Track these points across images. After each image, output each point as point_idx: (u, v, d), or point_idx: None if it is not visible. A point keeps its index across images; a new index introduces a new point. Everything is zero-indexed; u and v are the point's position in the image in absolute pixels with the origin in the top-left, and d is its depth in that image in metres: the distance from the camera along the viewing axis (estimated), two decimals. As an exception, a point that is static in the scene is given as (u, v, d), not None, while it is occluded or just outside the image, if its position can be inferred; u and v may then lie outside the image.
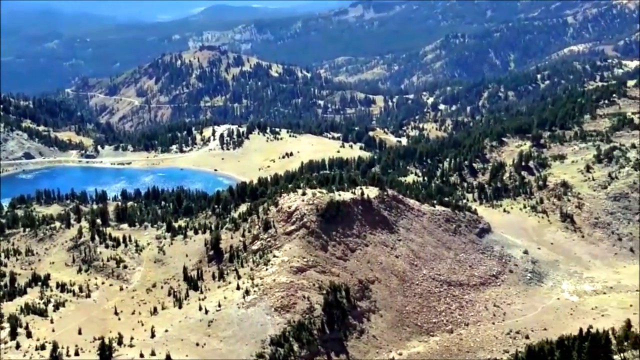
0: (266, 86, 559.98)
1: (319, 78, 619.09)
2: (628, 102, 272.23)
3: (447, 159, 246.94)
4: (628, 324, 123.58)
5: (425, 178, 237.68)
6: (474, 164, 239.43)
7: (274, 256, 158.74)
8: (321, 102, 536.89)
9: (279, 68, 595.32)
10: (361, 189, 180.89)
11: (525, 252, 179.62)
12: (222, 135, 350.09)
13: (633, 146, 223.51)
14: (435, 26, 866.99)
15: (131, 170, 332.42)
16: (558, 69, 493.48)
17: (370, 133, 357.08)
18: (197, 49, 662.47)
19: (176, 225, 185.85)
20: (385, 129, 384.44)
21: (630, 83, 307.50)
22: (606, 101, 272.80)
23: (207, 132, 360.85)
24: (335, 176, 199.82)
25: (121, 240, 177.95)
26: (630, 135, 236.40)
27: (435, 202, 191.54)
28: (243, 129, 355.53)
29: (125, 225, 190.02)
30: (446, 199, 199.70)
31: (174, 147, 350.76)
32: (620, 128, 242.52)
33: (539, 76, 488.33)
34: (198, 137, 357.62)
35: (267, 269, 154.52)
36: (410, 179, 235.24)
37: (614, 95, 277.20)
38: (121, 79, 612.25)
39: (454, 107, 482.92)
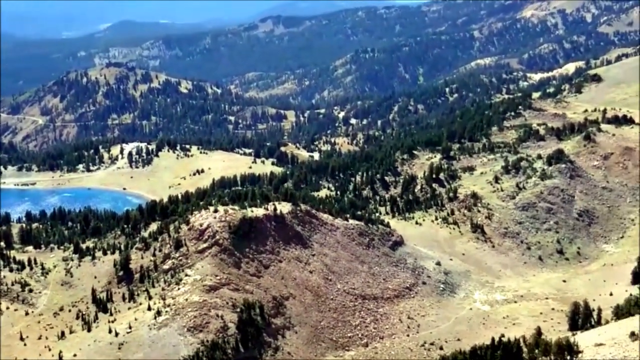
0: (175, 103, 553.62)
1: (229, 94, 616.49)
2: (533, 113, 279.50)
3: (360, 173, 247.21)
4: (538, 331, 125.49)
5: (338, 192, 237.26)
6: (385, 177, 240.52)
7: (186, 275, 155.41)
8: (232, 118, 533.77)
9: (188, 84, 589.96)
10: (274, 204, 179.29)
11: (438, 263, 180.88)
12: (130, 153, 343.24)
13: (539, 157, 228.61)
14: (345, 41, 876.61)
15: (36, 190, 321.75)
16: (466, 82, 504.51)
17: (282, 148, 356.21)
18: (103, 65, 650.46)
19: (84, 246, 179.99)
20: (297, 144, 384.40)
21: (535, 95, 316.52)
22: (512, 113, 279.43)
23: (115, 150, 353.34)
24: (247, 192, 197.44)
25: (26, 263, 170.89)
26: (536, 146, 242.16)
27: (348, 216, 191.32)
28: (152, 147, 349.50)
29: (30, 248, 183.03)
30: (359, 212, 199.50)
31: (80, 166, 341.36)
32: (527, 139, 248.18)
33: (447, 89, 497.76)
34: (106, 155, 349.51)
35: (179, 289, 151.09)
36: (323, 193, 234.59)
37: (520, 107, 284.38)
38: (24, 98, 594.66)
39: (365, 121, 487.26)
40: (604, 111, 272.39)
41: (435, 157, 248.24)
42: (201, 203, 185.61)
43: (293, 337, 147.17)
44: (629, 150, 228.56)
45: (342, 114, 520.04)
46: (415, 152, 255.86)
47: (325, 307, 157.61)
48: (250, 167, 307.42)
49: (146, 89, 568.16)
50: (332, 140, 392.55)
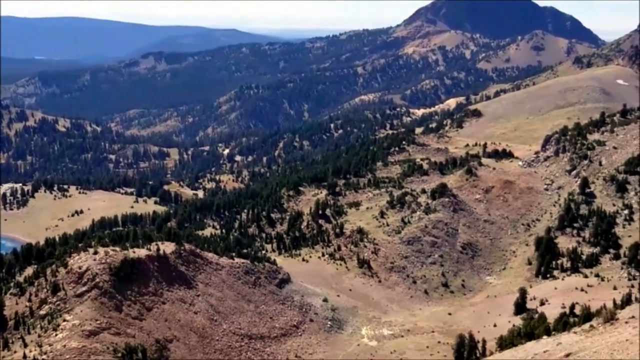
0: (53, 141, 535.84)
1: (109, 132, 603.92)
2: (417, 148, 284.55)
3: (245, 211, 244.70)
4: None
5: (223, 230, 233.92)
6: (272, 214, 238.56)
7: (64, 320, 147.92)
8: (112, 157, 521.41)
9: (66, 122, 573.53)
10: (157, 244, 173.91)
11: (325, 300, 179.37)
12: (4, 195, 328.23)
13: (423, 191, 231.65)
14: (229, 77, 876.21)
15: None
16: (350, 118, 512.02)
17: (166, 187, 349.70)
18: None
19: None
20: (181, 182, 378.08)
21: (418, 130, 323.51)
22: (397, 148, 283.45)
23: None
24: (129, 233, 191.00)
25: None
26: (420, 181, 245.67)
27: (234, 254, 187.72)
28: (28, 188, 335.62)
29: None
30: (245, 250, 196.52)
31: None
32: (411, 174, 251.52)
33: (332, 125, 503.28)
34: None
35: (56, 335, 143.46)
36: (207, 232, 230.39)
37: (404, 142, 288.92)
38: None
39: (250, 158, 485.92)
40: (485, 145, 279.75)
41: (321, 193, 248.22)
42: (80, 245, 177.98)
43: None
44: (509, 183, 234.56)
45: (226, 151, 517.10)
46: (301, 188, 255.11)
47: (210, 348, 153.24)
48: (132, 207, 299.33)
49: (21, 127, 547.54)
50: (217, 177, 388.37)
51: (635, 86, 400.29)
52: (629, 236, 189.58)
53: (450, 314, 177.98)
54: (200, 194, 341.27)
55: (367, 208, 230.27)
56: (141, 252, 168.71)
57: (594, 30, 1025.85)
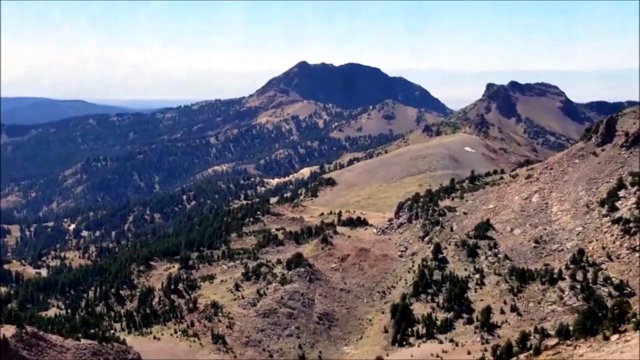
0: None
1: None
2: (272, 218, 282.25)
3: (92, 288, 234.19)
4: None
5: (69, 310, 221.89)
6: (121, 291, 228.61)
7: None
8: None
9: None
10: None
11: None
12: None
13: (279, 261, 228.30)
14: (75, 149, 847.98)
15: None
16: (203, 189, 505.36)
17: (6, 266, 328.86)
18: None
19: None
20: (23, 261, 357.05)
21: (273, 200, 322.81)
22: (251, 219, 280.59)
23: None
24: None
25: None
26: (276, 251, 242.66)
27: (80, 335, 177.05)
28: None
29: None
30: (92, 331, 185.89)
31: None
32: (266, 244, 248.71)
33: (184, 197, 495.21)
34: None
35: None
36: (52, 312, 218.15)
37: (259, 212, 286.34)
38: None
39: (98, 233, 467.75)
40: (339, 214, 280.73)
41: (173, 267, 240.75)
42: None
43: None
44: (364, 251, 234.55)
45: (72, 226, 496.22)
46: (152, 262, 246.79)
47: None
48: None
49: None
50: (62, 254, 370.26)
51: (482, 153, 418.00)
52: (481, 300, 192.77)
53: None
54: (44, 272, 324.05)
55: (222, 281, 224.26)
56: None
57: (441, 99, 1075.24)
